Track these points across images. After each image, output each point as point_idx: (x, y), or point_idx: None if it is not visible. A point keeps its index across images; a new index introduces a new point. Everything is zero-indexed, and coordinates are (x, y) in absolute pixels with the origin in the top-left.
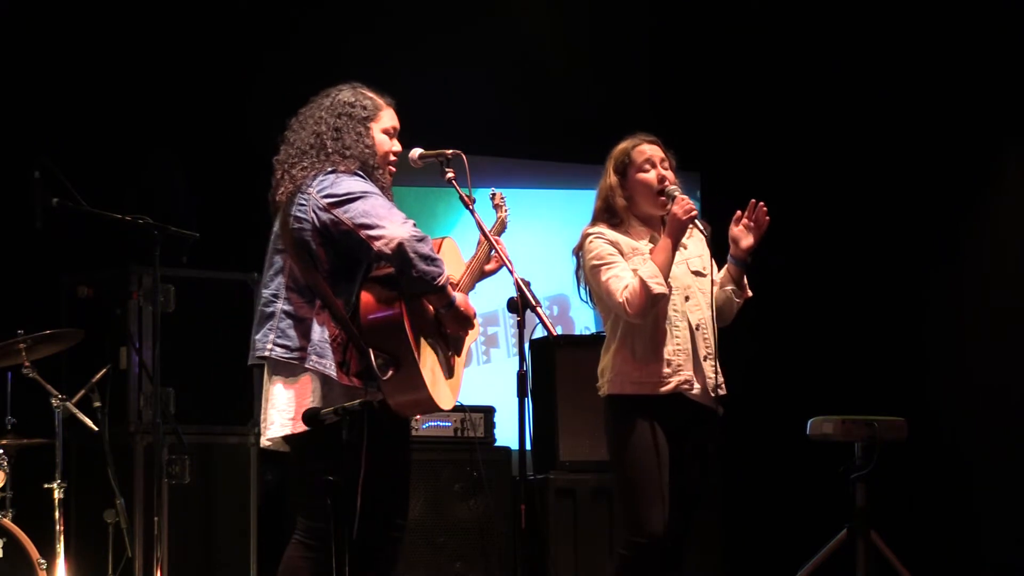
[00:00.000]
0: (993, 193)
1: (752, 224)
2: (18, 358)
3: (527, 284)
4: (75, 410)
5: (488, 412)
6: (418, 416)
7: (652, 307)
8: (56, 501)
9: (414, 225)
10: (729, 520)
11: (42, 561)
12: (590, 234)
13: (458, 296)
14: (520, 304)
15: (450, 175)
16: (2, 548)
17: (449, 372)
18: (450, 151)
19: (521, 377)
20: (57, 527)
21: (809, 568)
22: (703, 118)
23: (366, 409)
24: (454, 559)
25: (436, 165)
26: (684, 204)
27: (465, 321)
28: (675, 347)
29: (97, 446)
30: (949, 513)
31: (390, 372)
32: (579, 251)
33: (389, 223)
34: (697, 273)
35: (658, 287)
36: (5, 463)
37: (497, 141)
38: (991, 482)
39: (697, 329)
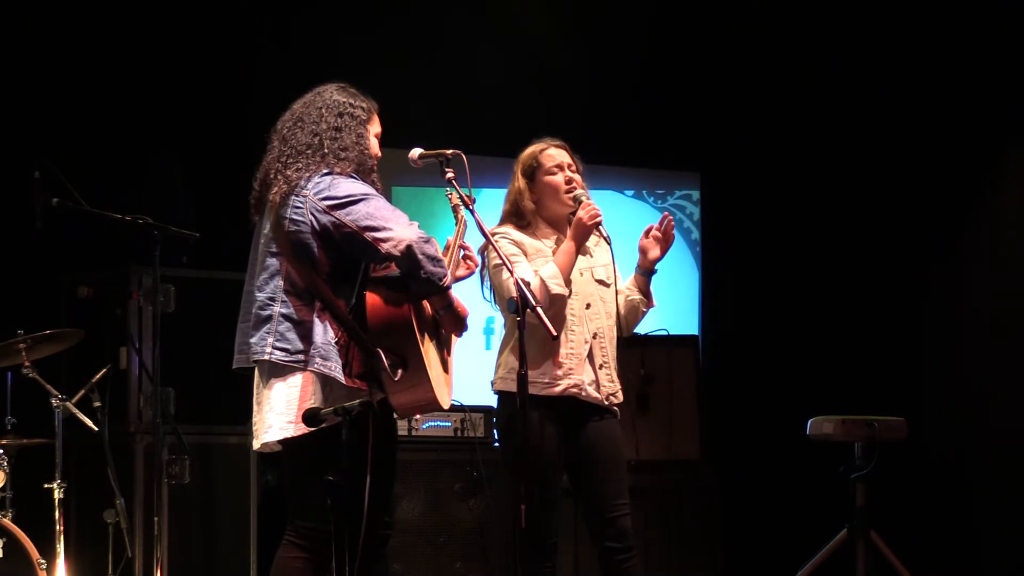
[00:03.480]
0: (993, 193)
1: (660, 237)
2: (18, 358)
3: (527, 284)
4: (75, 410)
5: (488, 412)
6: (418, 416)
7: (550, 306)
8: (56, 501)
9: (418, 226)
10: (729, 520)
11: (42, 561)
12: (496, 233)
13: (455, 297)
14: (520, 304)
15: (450, 175)
16: (2, 548)
17: (445, 372)
18: (450, 151)
19: (521, 377)
20: (57, 527)
21: (809, 568)
22: (703, 118)
23: (369, 409)
24: (454, 559)
25: (436, 165)
26: (589, 210)
27: (461, 322)
28: (568, 351)
29: (97, 446)
30: (949, 513)
31: (399, 372)
32: (484, 250)
33: (396, 225)
34: (600, 282)
35: (557, 287)
36: (5, 463)
37: (497, 141)
38: (990, 482)
39: (595, 337)
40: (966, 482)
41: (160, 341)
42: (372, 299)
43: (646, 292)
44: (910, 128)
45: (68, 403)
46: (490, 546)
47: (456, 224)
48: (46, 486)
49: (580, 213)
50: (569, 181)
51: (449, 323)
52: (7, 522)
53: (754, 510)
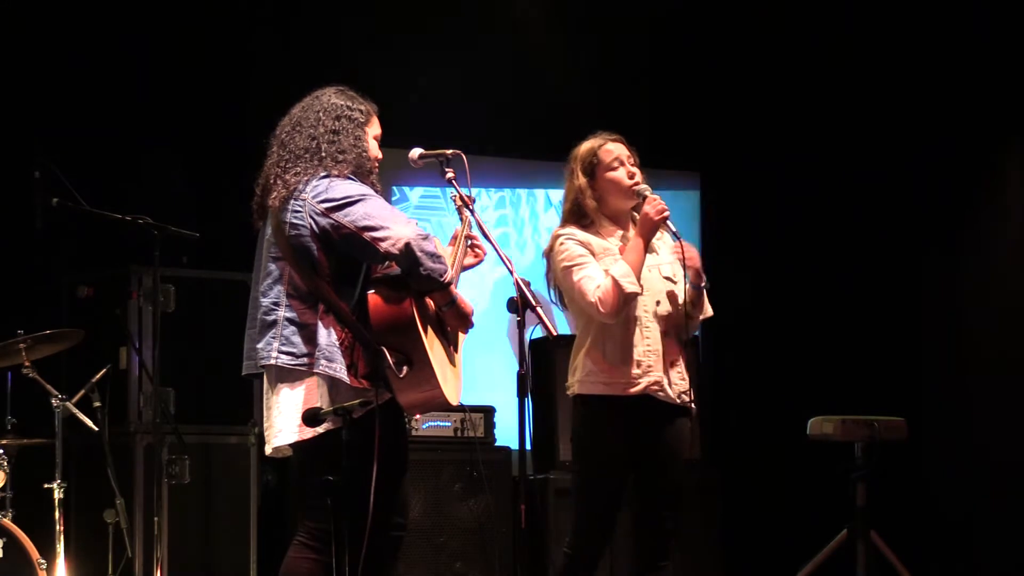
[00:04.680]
0: (993, 193)
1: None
2: (18, 358)
3: (527, 284)
4: (75, 410)
5: (488, 412)
6: (418, 416)
7: (625, 306)
8: (56, 501)
9: (416, 224)
10: (729, 520)
11: (42, 561)
12: (560, 235)
13: (458, 294)
14: (520, 304)
15: (450, 175)
16: (2, 548)
17: (453, 368)
18: (450, 151)
19: (521, 377)
20: (57, 527)
21: (809, 568)
22: (703, 118)
23: (373, 408)
24: (454, 559)
25: (436, 165)
26: (656, 204)
27: (465, 318)
28: (645, 348)
29: (97, 446)
30: (949, 513)
31: (404, 370)
32: (549, 253)
33: (393, 224)
34: (668, 279)
35: (630, 286)
36: (5, 463)
37: (496, 141)
38: (990, 482)
39: (666, 335)
40: (965, 482)
41: (160, 341)
42: (374, 299)
43: (698, 304)
44: (909, 128)
45: (68, 403)
46: (490, 546)
47: (461, 220)
48: (46, 486)
49: (647, 208)
50: (632, 176)
51: (453, 319)
52: (7, 522)
53: (754, 510)
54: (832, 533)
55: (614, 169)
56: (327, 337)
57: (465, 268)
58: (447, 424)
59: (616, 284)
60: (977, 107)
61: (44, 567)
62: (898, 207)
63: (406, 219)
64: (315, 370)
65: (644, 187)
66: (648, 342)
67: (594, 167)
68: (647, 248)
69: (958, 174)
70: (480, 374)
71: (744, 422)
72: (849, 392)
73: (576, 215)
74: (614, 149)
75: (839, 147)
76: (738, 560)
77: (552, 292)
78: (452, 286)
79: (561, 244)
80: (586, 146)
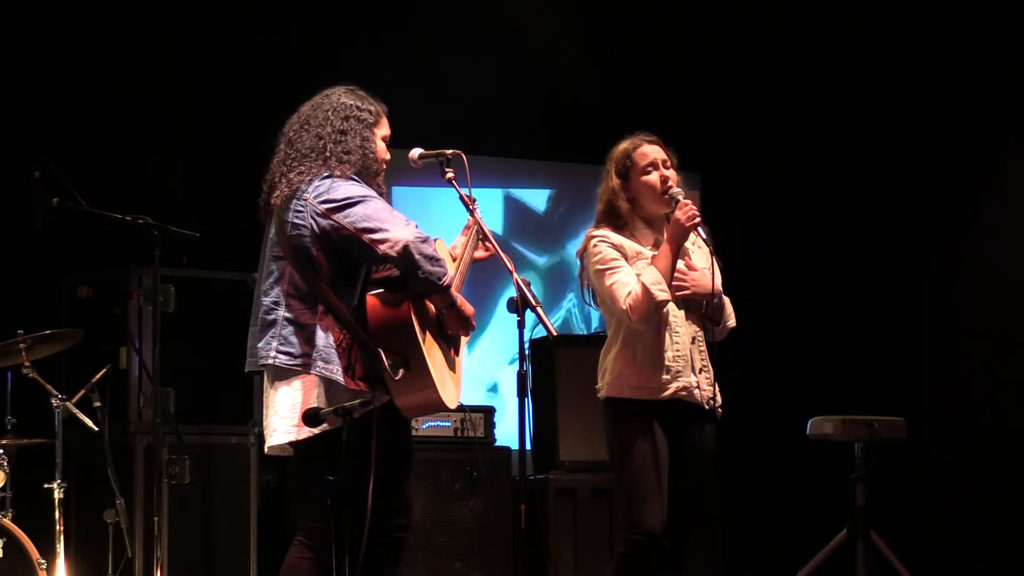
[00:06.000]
0: (993, 193)
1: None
2: (18, 358)
3: (527, 284)
4: (75, 410)
5: (488, 412)
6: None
7: (655, 313)
8: (56, 501)
9: (416, 226)
10: (729, 520)
11: (42, 561)
12: (594, 237)
13: (458, 296)
14: (520, 304)
15: (450, 175)
16: (2, 548)
17: (452, 371)
18: (450, 151)
19: (521, 377)
20: (57, 527)
21: (809, 568)
22: (703, 118)
23: (372, 409)
24: (454, 559)
25: (436, 165)
26: (687, 210)
27: (466, 321)
28: (675, 353)
29: (97, 446)
30: (949, 513)
31: (401, 372)
32: (583, 254)
33: (392, 226)
34: None
35: (661, 294)
36: (5, 463)
37: (497, 141)
38: (990, 482)
39: (693, 341)
40: (966, 482)
41: (160, 341)
42: (371, 301)
43: (714, 319)
44: (909, 128)
45: (68, 403)
46: (490, 546)
47: (470, 215)
48: (46, 486)
49: (677, 214)
50: (665, 180)
51: (453, 322)
52: (7, 522)
53: (754, 510)
54: (832, 533)
55: (648, 173)
56: (325, 338)
57: (476, 260)
58: (447, 424)
59: (646, 292)
60: (977, 107)
61: (44, 567)
62: (898, 207)
63: (405, 221)
64: (311, 371)
65: (677, 191)
66: (678, 347)
67: (628, 169)
68: (677, 254)
69: (958, 174)
70: (480, 374)
71: (744, 422)
72: (849, 392)
73: (610, 216)
74: (649, 152)
75: (839, 147)
76: (738, 560)
77: (586, 292)
78: (453, 289)
79: (595, 246)
80: (621, 147)
